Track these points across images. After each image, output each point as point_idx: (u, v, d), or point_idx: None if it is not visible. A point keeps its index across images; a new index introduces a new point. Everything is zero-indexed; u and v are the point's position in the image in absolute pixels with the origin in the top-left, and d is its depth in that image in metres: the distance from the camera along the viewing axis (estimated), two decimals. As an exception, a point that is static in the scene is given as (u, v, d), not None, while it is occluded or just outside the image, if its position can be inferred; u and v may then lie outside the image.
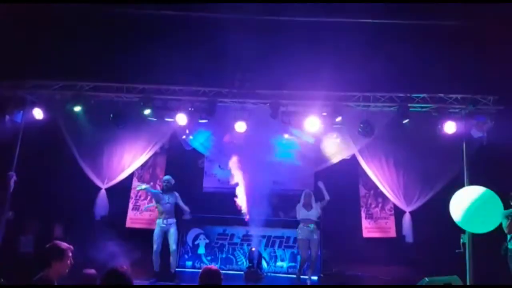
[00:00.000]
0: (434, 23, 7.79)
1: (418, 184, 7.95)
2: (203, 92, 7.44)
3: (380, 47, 7.62)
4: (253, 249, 7.98)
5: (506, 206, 6.26)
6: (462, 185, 7.06)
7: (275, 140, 9.16)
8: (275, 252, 8.61)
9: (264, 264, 8.39)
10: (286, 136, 8.73)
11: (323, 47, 7.68)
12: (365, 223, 9.00)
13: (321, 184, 7.73)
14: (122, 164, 8.27)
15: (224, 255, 8.61)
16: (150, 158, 8.66)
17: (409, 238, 8.05)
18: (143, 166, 8.88)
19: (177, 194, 7.57)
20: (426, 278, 5.89)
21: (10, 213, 7.25)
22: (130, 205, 9.07)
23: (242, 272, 8.04)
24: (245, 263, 8.33)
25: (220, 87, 7.45)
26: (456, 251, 6.94)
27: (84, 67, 7.76)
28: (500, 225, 6.21)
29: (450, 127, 7.09)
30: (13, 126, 7.42)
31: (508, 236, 6.14)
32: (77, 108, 7.33)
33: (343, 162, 8.42)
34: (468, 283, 6.67)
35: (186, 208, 7.52)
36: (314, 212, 7.46)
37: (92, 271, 3.99)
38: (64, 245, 3.46)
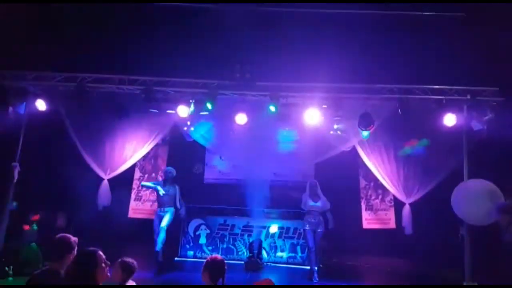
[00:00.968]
0: (434, 14, 7.73)
1: (418, 176, 7.95)
2: (203, 84, 7.46)
3: (380, 39, 7.58)
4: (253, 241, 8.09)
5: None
6: (462, 178, 7.08)
7: (275, 132, 9.22)
8: (275, 242, 8.71)
9: (264, 254, 8.49)
10: (286, 128, 8.77)
11: (323, 39, 7.65)
12: (365, 215, 9.04)
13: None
14: (124, 155, 8.35)
15: (225, 245, 8.73)
16: (152, 149, 8.74)
17: (408, 229, 8.08)
18: (145, 157, 8.96)
19: (177, 187, 7.64)
20: None
21: (14, 204, 7.38)
22: (132, 196, 9.18)
23: (242, 262, 8.16)
24: (245, 253, 8.45)
25: (220, 79, 7.47)
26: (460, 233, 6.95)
27: (86, 59, 7.81)
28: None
29: (450, 119, 7.06)
30: (16, 117, 7.49)
31: None
32: (80, 100, 7.37)
33: (343, 153, 8.44)
34: (465, 275, 6.72)
35: (182, 204, 7.62)
36: (321, 203, 7.44)
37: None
38: (73, 238, 3.51)
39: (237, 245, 8.71)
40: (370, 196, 9.10)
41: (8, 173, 7.30)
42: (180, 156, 9.17)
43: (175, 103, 7.47)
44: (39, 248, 7.06)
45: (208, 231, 8.78)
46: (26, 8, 7.55)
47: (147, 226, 7.90)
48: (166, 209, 7.48)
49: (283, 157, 9.47)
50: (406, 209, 7.95)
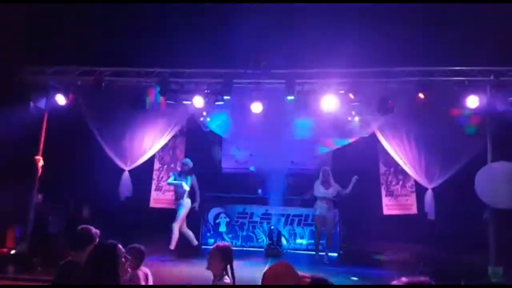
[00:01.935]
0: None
1: (440, 160, 7.76)
2: (218, 73, 7.44)
3: (398, 21, 7.38)
4: (272, 227, 8.12)
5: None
6: (485, 161, 6.90)
7: (292, 119, 9.14)
8: (294, 230, 8.74)
9: (283, 241, 8.53)
10: (303, 115, 8.67)
11: (339, 23, 7.50)
12: (385, 201, 8.93)
13: (354, 179, 7.60)
14: (143, 146, 8.46)
15: (244, 233, 8.81)
16: (169, 140, 8.82)
17: (431, 215, 7.93)
18: (163, 148, 9.04)
19: (194, 177, 7.68)
20: None
21: (40, 196, 7.60)
22: (153, 186, 9.32)
23: (262, 249, 8.22)
24: (265, 240, 8.50)
25: (235, 68, 7.44)
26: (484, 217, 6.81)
27: (104, 53, 7.90)
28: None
29: (472, 101, 6.86)
30: (37, 112, 7.66)
31: None
32: (98, 93, 7.48)
33: (362, 140, 8.33)
34: (490, 260, 6.60)
35: (197, 196, 7.70)
36: (332, 191, 7.45)
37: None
38: (94, 230, 3.56)
39: (256, 233, 8.78)
40: (391, 182, 8.96)
41: (33, 166, 7.51)
42: (198, 147, 9.23)
43: (191, 93, 7.50)
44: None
45: (227, 219, 8.87)
46: (45, 3, 7.66)
47: (168, 216, 8.03)
48: (180, 201, 7.59)
49: (300, 145, 9.41)
50: (429, 194, 7.80)
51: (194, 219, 8.32)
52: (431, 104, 7.05)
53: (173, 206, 8.01)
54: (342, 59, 7.10)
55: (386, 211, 8.86)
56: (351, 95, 7.03)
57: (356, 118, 8.03)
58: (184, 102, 7.76)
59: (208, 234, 8.85)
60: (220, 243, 3.62)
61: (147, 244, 4.12)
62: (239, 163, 9.76)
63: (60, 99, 7.70)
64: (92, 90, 7.48)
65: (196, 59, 7.44)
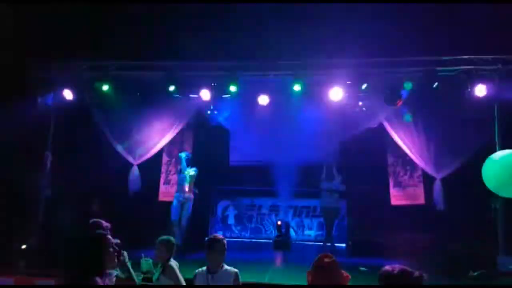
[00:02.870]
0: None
1: (448, 150, 7.74)
2: (225, 66, 7.42)
3: (405, 9, 7.31)
4: (279, 223, 8.15)
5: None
6: (494, 150, 6.87)
7: (299, 111, 9.11)
8: (302, 221, 8.77)
9: (292, 232, 8.57)
10: (310, 107, 8.64)
11: (346, 13, 7.44)
12: (393, 191, 8.92)
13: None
14: (151, 140, 8.48)
15: (253, 225, 8.85)
16: (177, 134, 8.83)
17: (440, 205, 7.93)
18: (171, 142, 9.06)
19: (190, 171, 7.61)
20: None
21: (49, 191, 7.65)
22: (162, 180, 9.36)
23: (270, 241, 8.27)
24: (273, 232, 8.54)
25: (242, 60, 7.41)
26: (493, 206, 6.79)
27: (109, 47, 7.89)
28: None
29: (480, 90, 6.82)
30: (44, 108, 7.69)
31: None
32: (105, 87, 7.50)
33: (369, 130, 8.31)
34: (499, 249, 6.59)
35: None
36: (336, 182, 7.44)
37: None
38: (105, 223, 3.59)
39: (265, 225, 8.82)
40: (398, 172, 8.94)
41: (41, 162, 7.56)
42: (206, 140, 9.24)
43: (197, 87, 7.50)
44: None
45: (236, 211, 8.92)
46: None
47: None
48: (185, 195, 7.52)
49: (308, 137, 9.40)
50: (437, 184, 7.79)
51: (203, 212, 8.35)
52: (439, 93, 7.03)
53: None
54: (349, 50, 7.06)
55: (394, 201, 8.85)
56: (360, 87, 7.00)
57: (364, 109, 8.00)
58: (191, 95, 7.76)
59: (217, 227, 8.90)
60: (215, 235, 3.68)
61: (155, 238, 4.13)
62: (247, 156, 9.76)
63: (67, 94, 7.73)
64: (99, 84, 7.49)
65: (203, 52, 7.42)
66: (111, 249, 2.78)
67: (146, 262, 3.81)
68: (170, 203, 8.90)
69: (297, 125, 9.34)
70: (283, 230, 8.20)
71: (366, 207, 8.53)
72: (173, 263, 3.83)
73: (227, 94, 7.48)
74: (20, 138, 7.21)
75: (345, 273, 2.43)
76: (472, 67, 6.92)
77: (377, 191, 8.73)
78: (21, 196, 7.46)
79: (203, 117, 8.56)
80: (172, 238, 3.95)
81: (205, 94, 7.44)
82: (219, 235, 3.80)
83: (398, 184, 8.94)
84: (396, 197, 8.92)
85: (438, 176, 7.80)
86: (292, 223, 8.68)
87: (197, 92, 7.51)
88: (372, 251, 7.66)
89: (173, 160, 9.33)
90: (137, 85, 7.63)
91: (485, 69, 6.88)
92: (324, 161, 8.00)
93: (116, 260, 2.91)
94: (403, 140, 7.94)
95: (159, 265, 3.79)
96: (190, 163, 7.68)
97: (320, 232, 8.64)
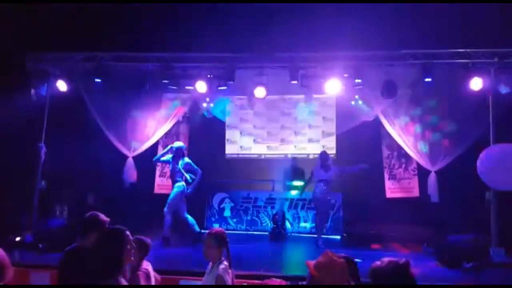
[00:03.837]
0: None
1: (443, 143, 7.81)
2: (221, 58, 7.36)
3: (402, 3, 7.30)
4: (276, 216, 8.17)
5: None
6: (489, 144, 6.92)
7: (295, 104, 9.13)
8: (298, 213, 8.79)
9: (288, 225, 8.60)
10: (306, 100, 8.66)
11: (342, 5, 7.41)
12: (388, 184, 8.99)
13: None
14: (147, 133, 8.45)
15: (249, 217, 8.87)
16: (173, 126, 8.80)
17: (434, 197, 8.00)
18: (167, 134, 9.02)
19: (182, 161, 7.27)
20: None
21: (43, 183, 7.60)
22: (157, 172, 9.34)
23: (267, 233, 8.31)
24: (269, 224, 8.57)
25: (238, 52, 7.36)
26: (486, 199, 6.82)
27: (104, 38, 7.80)
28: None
29: (476, 84, 6.85)
30: (38, 99, 7.60)
31: None
32: (100, 79, 7.41)
33: (365, 123, 8.33)
34: (492, 242, 6.67)
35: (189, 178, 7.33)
36: (331, 173, 7.41)
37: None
38: (104, 217, 3.51)
39: (261, 217, 8.85)
40: (394, 165, 9.01)
41: (35, 154, 7.49)
42: (201, 133, 9.22)
43: (193, 78, 7.45)
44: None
45: (232, 204, 8.93)
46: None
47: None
48: (175, 184, 7.20)
49: (304, 130, 9.43)
50: (432, 177, 7.85)
51: (199, 204, 8.35)
52: (435, 86, 7.05)
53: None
54: (346, 42, 7.04)
55: (389, 194, 8.93)
56: (357, 80, 6.98)
57: (360, 102, 8.02)
58: (187, 87, 7.71)
59: (213, 219, 8.91)
60: (213, 229, 3.54)
61: (152, 230, 4.08)
62: (242, 149, 9.76)
63: (61, 86, 7.64)
64: (93, 76, 7.41)
65: (199, 43, 7.37)
66: (128, 246, 2.69)
67: None
68: (165, 195, 8.89)
69: (293, 118, 9.37)
70: (279, 222, 8.23)
71: (361, 200, 8.57)
72: (142, 272, 3.55)
73: (223, 86, 7.43)
74: (14, 130, 7.14)
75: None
76: (468, 60, 6.93)
77: (373, 183, 8.78)
78: (15, 188, 7.39)
79: (199, 110, 8.52)
80: (148, 240, 3.76)
81: (200, 86, 7.39)
82: (217, 228, 3.73)
83: (393, 177, 9.01)
84: (391, 190, 8.99)
85: (433, 169, 7.85)
86: (288, 215, 8.71)
87: (193, 84, 7.45)
88: (367, 243, 7.71)
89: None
90: (132, 77, 7.56)
91: (481, 63, 6.90)
92: (319, 153, 7.99)
93: (132, 258, 2.84)
94: (398, 133, 7.98)
95: None
96: (183, 154, 7.50)
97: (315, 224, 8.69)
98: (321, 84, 7.35)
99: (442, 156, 7.74)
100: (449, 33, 7.31)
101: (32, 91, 7.57)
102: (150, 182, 9.18)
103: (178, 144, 7.44)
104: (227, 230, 8.53)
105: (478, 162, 6.64)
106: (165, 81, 7.35)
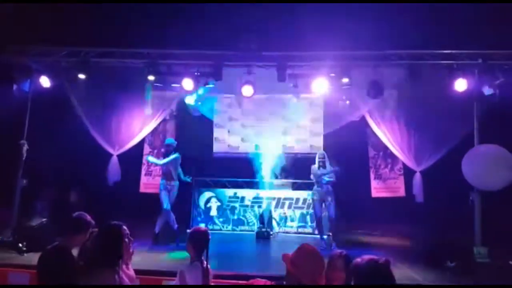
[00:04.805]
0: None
1: (429, 143, 7.88)
2: (208, 55, 7.30)
3: (388, 4, 7.34)
4: (261, 214, 8.15)
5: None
6: (473, 144, 7.00)
7: (283, 103, 9.11)
8: (285, 213, 8.78)
9: (274, 224, 8.58)
10: (294, 99, 8.66)
11: (330, 5, 7.42)
12: (374, 184, 9.06)
13: (335, 168, 7.48)
14: (132, 130, 8.33)
15: (235, 217, 8.82)
16: (159, 124, 8.69)
17: (419, 197, 8.07)
18: (153, 132, 8.92)
19: (175, 157, 7.31)
20: None
21: (24, 181, 7.42)
22: (143, 171, 9.23)
23: (253, 232, 8.27)
24: (256, 223, 8.54)
25: (225, 50, 7.29)
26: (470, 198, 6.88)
27: (89, 33, 7.67)
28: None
29: (461, 85, 6.92)
30: (21, 95, 7.43)
31: None
32: (84, 75, 7.27)
33: (351, 123, 8.36)
34: (475, 242, 6.74)
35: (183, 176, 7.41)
36: (329, 174, 7.41)
37: None
38: (88, 218, 3.46)
39: (247, 216, 8.80)
40: (379, 165, 9.07)
41: (17, 150, 7.32)
42: (188, 131, 9.13)
43: (180, 76, 7.35)
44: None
45: (218, 203, 8.86)
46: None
47: (158, 200, 7.95)
48: (172, 182, 7.23)
49: (291, 129, 9.42)
50: (417, 177, 7.93)
51: (185, 204, 8.27)
52: (421, 87, 7.11)
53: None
54: (333, 42, 7.05)
55: (375, 193, 8.99)
56: (344, 80, 6.99)
57: (347, 102, 8.05)
58: (173, 85, 7.62)
59: (199, 219, 8.83)
60: (197, 227, 3.54)
61: (137, 230, 4.02)
62: (230, 148, 9.70)
63: (45, 81, 7.48)
64: (78, 72, 7.26)
65: (185, 40, 7.28)
66: (126, 240, 2.87)
67: None
68: (151, 194, 8.80)
69: (280, 117, 9.35)
70: (265, 222, 8.21)
71: (347, 199, 8.59)
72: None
73: (210, 84, 7.37)
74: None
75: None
76: (453, 61, 7.00)
77: (358, 183, 8.83)
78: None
79: (185, 107, 8.43)
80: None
81: (187, 84, 7.30)
82: (199, 227, 3.68)
83: (378, 177, 9.08)
84: (377, 189, 9.06)
85: (418, 169, 7.92)
86: (274, 214, 8.69)
87: (179, 81, 7.36)
88: (353, 242, 7.74)
89: (155, 151, 9.19)
90: (117, 73, 7.44)
91: (466, 64, 6.97)
92: (310, 153, 8.01)
93: (130, 250, 2.97)
94: (384, 133, 8.04)
95: None
96: (172, 150, 7.41)
97: (302, 224, 8.69)
98: (308, 83, 7.34)
99: (427, 156, 7.82)
100: (435, 34, 7.38)
101: (15, 86, 7.39)
102: (136, 181, 9.06)
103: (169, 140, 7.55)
104: (213, 230, 8.50)
105: (463, 162, 6.72)
106: (151, 78, 7.25)
